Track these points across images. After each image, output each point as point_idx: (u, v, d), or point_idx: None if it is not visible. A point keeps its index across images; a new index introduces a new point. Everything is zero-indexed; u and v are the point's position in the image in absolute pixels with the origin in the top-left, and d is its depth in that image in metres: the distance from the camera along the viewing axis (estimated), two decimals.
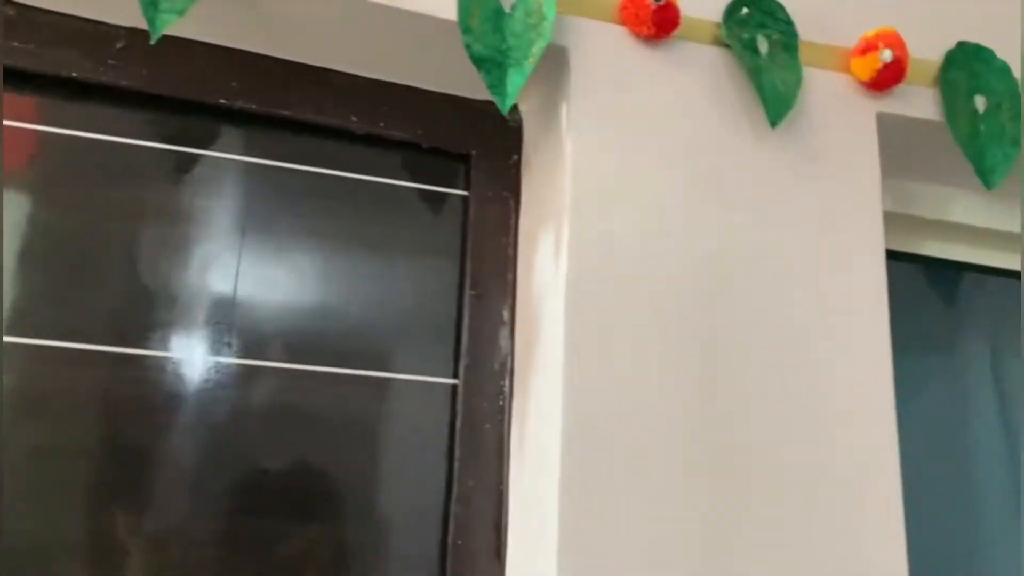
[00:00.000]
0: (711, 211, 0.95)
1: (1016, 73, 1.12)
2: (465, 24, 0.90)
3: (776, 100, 0.99)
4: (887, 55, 1.01)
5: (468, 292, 0.98)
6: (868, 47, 1.03)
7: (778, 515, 0.87)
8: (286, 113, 0.96)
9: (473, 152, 1.03)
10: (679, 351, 0.89)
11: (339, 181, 1.00)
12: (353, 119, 0.99)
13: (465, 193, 1.02)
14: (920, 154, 1.11)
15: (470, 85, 0.96)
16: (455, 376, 0.96)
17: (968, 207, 1.23)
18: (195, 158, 0.94)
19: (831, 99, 1.04)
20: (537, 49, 0.90)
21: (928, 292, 1.31)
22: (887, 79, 1.03)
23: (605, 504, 0.83)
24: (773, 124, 0.97)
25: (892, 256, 1.20)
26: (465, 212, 1.02)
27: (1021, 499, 1.25)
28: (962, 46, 1.11)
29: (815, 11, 1.06)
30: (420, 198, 1.02)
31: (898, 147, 1.10)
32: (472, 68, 0.89)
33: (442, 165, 1.03)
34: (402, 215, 1.01)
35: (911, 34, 1.08)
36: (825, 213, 1.00)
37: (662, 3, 0.94)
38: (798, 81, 1.01)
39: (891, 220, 1.20)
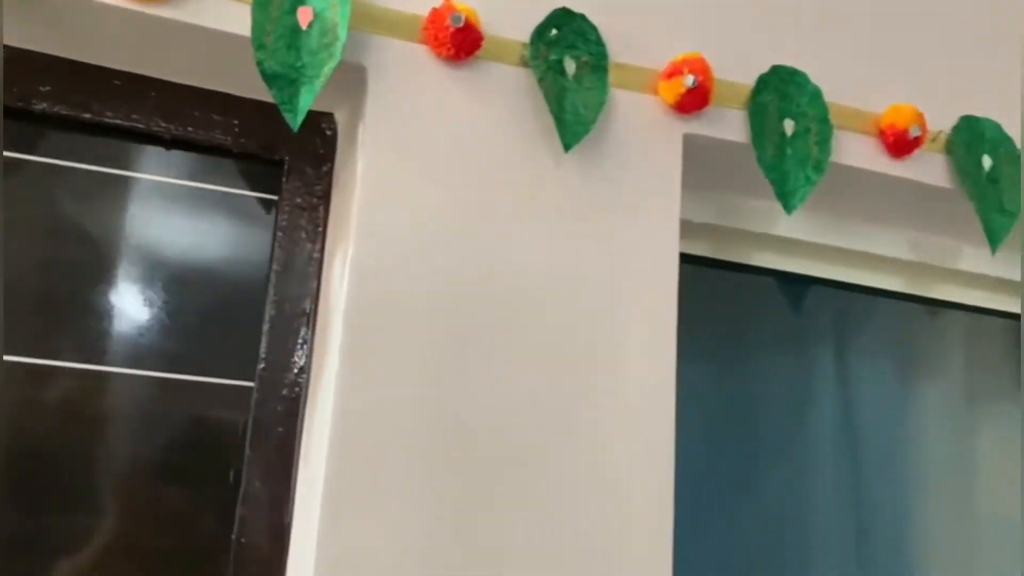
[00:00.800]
0: (501, 228, 0.99)
1: (825, 97, 1.16)
2: (259, 42, 0.92)
3: (574, 124, 1.02)
4: (690, 80, 1.05)
5: (271, 298, 1.01)
6: (674, 71, 1.06)
7: (540, 516, 0.93)
8: (93, 116, 0.98)
9: (287, 159, 1.05)
10: (452, 361, 0.93)
11: (151, 185, 1.02)
12: (163, 124, 1.01)
13: (275, 198, 1.05)
14: (733, 172, 1.15)
15: None
16: (252, 380, 0.99)
17: (790, 220, 1.28)
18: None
19: (639, 120, 1.08)
20: (328, 69, 0.92)
21: (758, 299, 1.36)
22: (690, 103, 1.07)
23: (364, 506, 0.88)
24: (567, 148, 1.01)
25: (720, 265, 1.27)
26: (276, 218, 1.04)
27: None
28: (776, 70, 1.15)
29: (628, 33, 1.09)
30: (231, 203, 1.04)
31: (711, 166, 1.14)
32: None
33: (257, 171, 1.06)
34: (213, 219, 1.04)
35: (726, 56, 1.12)
36: (622, 229, 1.04)
37: (461, 25, 0.97)
38: (601, 104, 1.04)
39: (716, 232, 1.25)
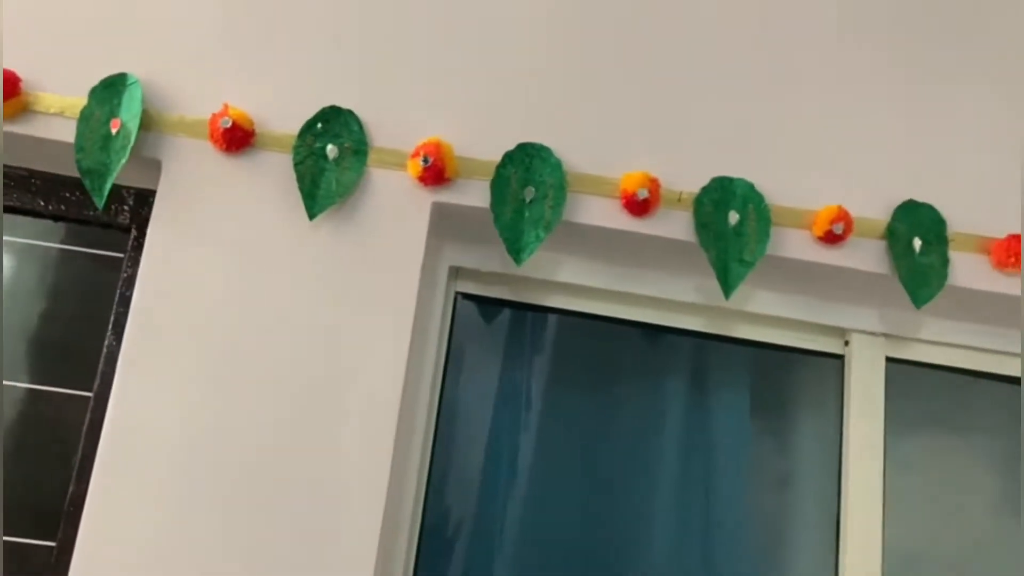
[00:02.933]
0: (263, 286, 1.30)
1: (572, 168, 1.40)
2: (80, 145, 1.29)
3: (323, 198, 1.32)
4: (426, 160, 1.33)
5: (110, 331, 1.38)
6: (416, 153, 1.35)
7: (267, 514, 1.23)
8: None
9: (134, 226, 1.42)
10: (215, 391, 1.26)
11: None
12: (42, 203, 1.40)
13: (121, 256, 1.41)
14: (486, 231, 1.40)
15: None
16: (90, 390, 1.36)
17: (574, 269, 1.52)
18: None
19: (394, 192, 1.36)
20: (120, 165, 1.28)
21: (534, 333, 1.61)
22: (429, 178, 1.34)
23: (126, 511, 1.21)
24: (311, 217, 1.31)
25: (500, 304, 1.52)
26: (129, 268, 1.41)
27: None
28: (522, 146, 1.39)
29: (390, 122, 1.38)
30: (91, 261, 1.42)
31: (461, 226, 1.41)
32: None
33: (113, 234, 1.43)
34: (66, 273, 1.42)
35: (475, 135, 1.38)
36: (368, 282, 1.32)
37: (229, 126, 1.30)
38: (354, 181, 1.34)
39: (514, 280, 1.51)
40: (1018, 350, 1.55)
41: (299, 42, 1.39)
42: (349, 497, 1.24)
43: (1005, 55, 1.54)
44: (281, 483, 1.23)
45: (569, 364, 1.60)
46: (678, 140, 1.43)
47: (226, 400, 1.25)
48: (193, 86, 1.34)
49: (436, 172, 1.32)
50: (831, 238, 1.39)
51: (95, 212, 1.38)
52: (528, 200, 1.36)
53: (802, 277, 1.47)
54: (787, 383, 1.62)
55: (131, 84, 1.31)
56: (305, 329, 1.28)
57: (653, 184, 1.37)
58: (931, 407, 1.62)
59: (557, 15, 1.46)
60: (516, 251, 1.34)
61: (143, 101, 1.30)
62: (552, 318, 1.58)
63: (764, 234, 1.38)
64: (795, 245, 1.41)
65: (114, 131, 1.30)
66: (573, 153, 1.40)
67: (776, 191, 1.42)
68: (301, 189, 1.31)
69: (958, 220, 1.46)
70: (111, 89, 1.31)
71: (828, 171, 1.45)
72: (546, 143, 1.39)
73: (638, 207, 1.37)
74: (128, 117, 1.29)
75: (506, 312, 1.58)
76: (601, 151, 1.40)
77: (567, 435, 1.56)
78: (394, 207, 1.34)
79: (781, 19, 1.51)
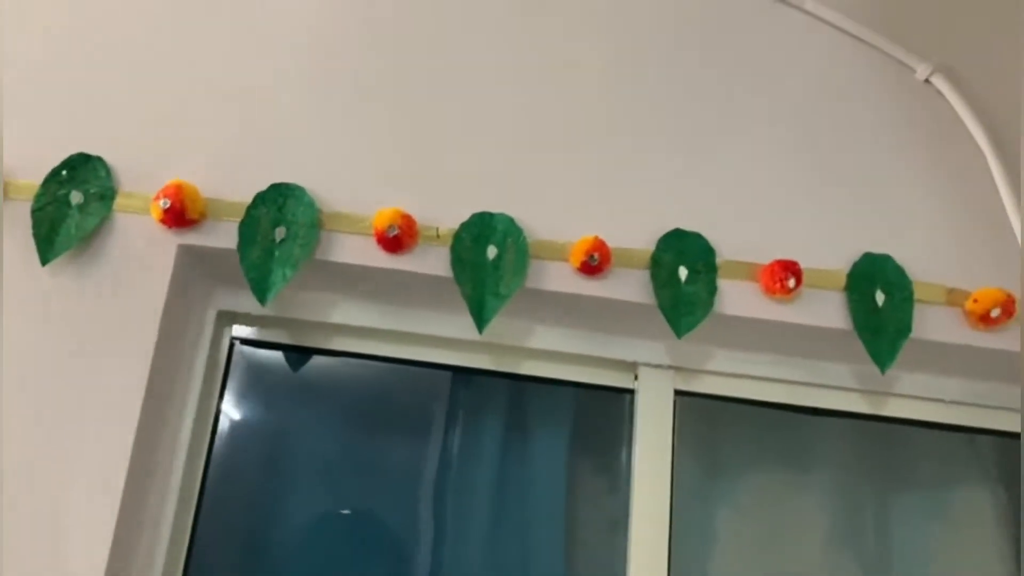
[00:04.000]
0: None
1: (327, 207, 1.40)
2: None
3: (60, 244, 1.32)
4: (164, 203, 1.32)
5: None
6: (157, 196, 1.34)
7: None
8: None
9: None
10: None
11: None
12: None
13: None
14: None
15: None
16: None
17: (346, 310, 1.51)
18: None
19: (139, 236, 1.35)
20: None
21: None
22: (170, 220, 1.33)
23: None
24: (44, 263, 1.30)
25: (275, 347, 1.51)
26: None
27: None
28: (274, 187, 1.40)
29: (139, 168, 1.38)
30: None
31: (212, 270, 1.40)
32: None
33: None
34: None
35: (226, 177, 1.39)
36: (110, 332, 1.31)
37: None
38: (94, 226, 1.33)
39: (291, 324, 1.50)
40: (784, 376, 1.54)
41: (43, 88, 1.40)
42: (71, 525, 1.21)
43: (772, 89, 1.56)
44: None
45: (361, 409, 1.58)
46: (439, 177, 1.44)
47: None
48: None
49: (177, 214, 1.32)
50: (589, 269, 1.39)
51: None
52: (279, 240, 1.36)
53: (591, 312, 1.47)
54: (583, 421, 1.60)
55: None
56: (31, 383, 1.26)
57: (405, 220, 1.37)
58: (724, 440, 1.60)
59: (309, 55, 1.48)
60: (261, 291, 1.34)
61: None
62: (338, 361, 1.56)
63: (521, 266, 1.38)
64: (555, 277, 1.41)
65: None
66: (330, 192, 1.40)
67: (538, 226, 1.43)
68: (36, 235, 1.30)
69: (727, 248, 1.45)
70: None
71: (593, 205, 1.46)
72: (302, 183, 1.39)
73: (390, 243, 1.37)
74: None
75: (291, 357, 1.57)
76: (359, 189, 1.41)
77: (353, 489, 1.53)
78: (138, 251, 1.34)
79: (540, 55, 1.53)
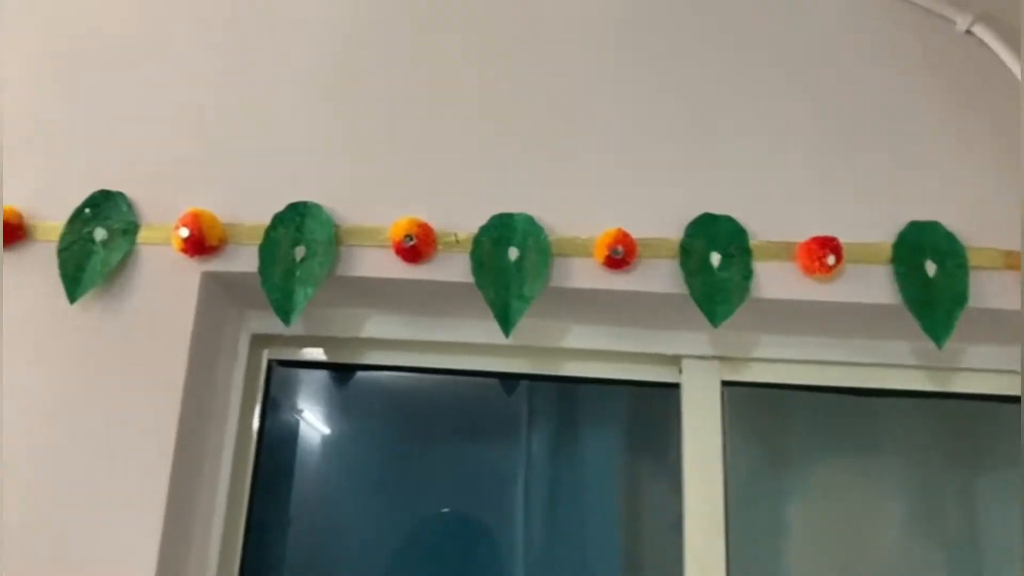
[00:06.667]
0: (24, 378, 1.31)
1: (345, 222, 1.39)
2: None
3: (88, 280, 1.34)
4: (184, 232, 1.34)
5: None
6: (176, 226, 1.36)
7: None
8: None
9: None
10: None
11: None
12: None
13: None
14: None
15: None
16: None
17: (377, 323, 1.50)
18: None
19: (163, 266, 1.37)
20: None
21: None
22: (191, 248, 1.34)
23: None
24: (72, 300, 1.32)
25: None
26: None
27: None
28: (292, 206, 1.39)
29: (158, 200, 1.40)
30: None
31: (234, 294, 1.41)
32: None
33: None
34: None
35: (243, 201, 1.39)
36: (133, 353, 1.33)
37: None
38: (119, 259, 1.35)
39: (325, 341, 1.50)
40: (837, 358, 1.46)
41: (62, 129, 1.43)
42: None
43: (792, 55, 1.49)
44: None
45: (406, 421, 1.57)
46: (451, 182, 1.41)
47: None
48: None
49: (196, 242, 1.33)
50: (614, 263, 1.35)
51: None
52: (299, 259, 1.35)
53: (626, 307, 1.42)
54: (629, 419, 1.56)
55: None
56: (66, 419, 1.28)
57: (421, 229, 1.35)
58: (779, 429, 1.53)
59: (311, 72, 1.47)
60: (285, 312, 1.33)
61: None
62: (377, 375, 1.56)
63: (544, 266, 1.34)
64: (580, 274, 1.37)
65: None
66: (346, 207, 1.39)
67: (558, 222, 1.39)
68: (63, 274, 1.33)
69: (760, 229, 1.38)
70: None
71: (614, 196, 1.41)
72: (317, 200, 1.38)
73: (408, 253, 1.35)
74: None
75: (329, 374, 1.56)
76: (372, 202, 1.39)
77: (406, 501, 1.52)
78: (163, 282, 1.35)
79: (547, 47, 1.49)
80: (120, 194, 1.39)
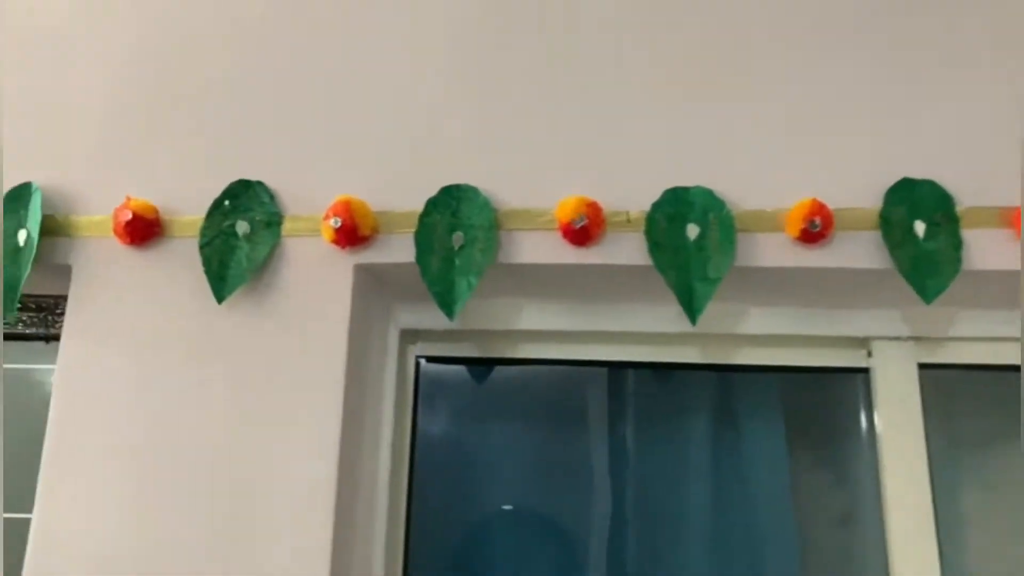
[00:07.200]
0: (182, 380, 1.22)
1: (501, 205, 1.27)
2: None
3: (233, 278, 1.24)
4: (336, 222, 1.23)
5: None
6: (327, 216, 1.25)
7: None
8: None
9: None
10: (136, 511, 1.17)
11: None
12: None
13: None
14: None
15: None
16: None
17: (536, 314, 1.39)
18: None
19: (312, 259, 1.26)
20: (23, 273, 1.23)
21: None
22: (343, 239, 1.24)
23: None
24: (219, 300, 1.22)
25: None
26: None
27: None
28: (445, 190, 1.28)
29: (300, 189, 1.29)
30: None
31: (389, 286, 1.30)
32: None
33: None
34: None
35: (393, 187, 1.28)
36: (291, 354, 1.22)
37: (130, 218, 1.24)
38: (264, 255, 1.25)
39: (477, 335, 1.39)
40: None
41: (192, 121, 1.32)
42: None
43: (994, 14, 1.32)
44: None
45: (566, 415, 1.45)
46: (617, 156, 1.28)
47: (151, 509, 1.17)
48: (95, 185, 1.29)
49: (349, 232, 1.22)
50: (809, 237, 1.21)
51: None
52: (457, 247, 1.24)
53: (810, 286, 1.29)
54: (803, 410, 1.42)
55: (34, 192, 1.27)
56: (227, 422, 1.18)
57: (591, 208, 1.22)
58: (987, 415, 1.38)
59: (455, 49, 1.35)
60: (448, 304, 1.22)
61: (44, 207, 1.25)
62: (536, 368, 1.44)
63: (729, 243, 1.21)
64: (770, 251, 1.23)
65: (22, 242, 1.25)
66: (502, 189, 1.27)
67: (740, 195, 1.25)
68: (208, 272, 1.23)
69: (967, 194, 1.23)
70: (17, 200, 1.28)
71: (799, 163, 1.26)
72: (473, 182, 1.26)
73: (577, 235, 1.22)
74: (32, 226, 1.25)
75: (479, 369, 1.45)
76: (532, 182, 1.27)
77: (584, 494, 1.41)
78: (313, 276, 1.25)
79: (721, 8, 1.35)
80: (260, 183, 1.28)
